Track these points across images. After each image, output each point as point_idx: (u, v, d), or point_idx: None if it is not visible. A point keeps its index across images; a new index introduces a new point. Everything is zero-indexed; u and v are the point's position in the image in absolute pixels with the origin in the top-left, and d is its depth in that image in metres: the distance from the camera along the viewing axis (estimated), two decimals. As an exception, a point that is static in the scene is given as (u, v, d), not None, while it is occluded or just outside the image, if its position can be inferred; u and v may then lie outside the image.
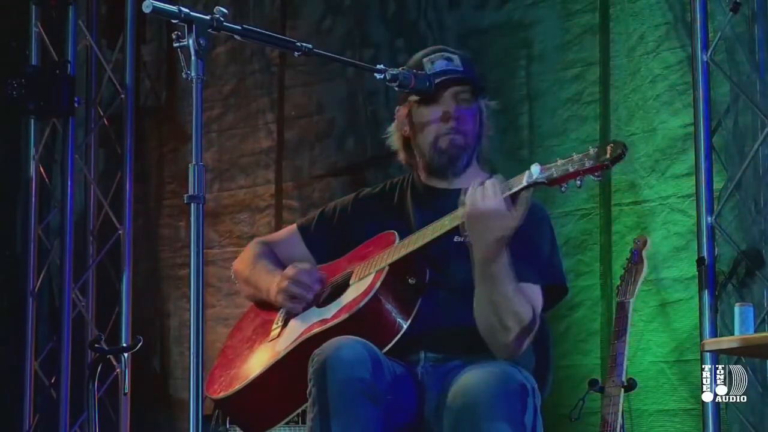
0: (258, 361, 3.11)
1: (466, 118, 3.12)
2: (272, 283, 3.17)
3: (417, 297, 2.97)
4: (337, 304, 3.02)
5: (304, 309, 3.11)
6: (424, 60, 3.14)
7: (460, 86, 3.11)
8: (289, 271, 3.14)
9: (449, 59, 3.11)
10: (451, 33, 5.14)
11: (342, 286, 3.09)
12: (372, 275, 2.99)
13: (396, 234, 3.07)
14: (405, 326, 2.93)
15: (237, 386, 3.08)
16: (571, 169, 2.72)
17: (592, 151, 2.70)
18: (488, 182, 2.82)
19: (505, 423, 2.73)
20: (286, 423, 3.10)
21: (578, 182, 2.73)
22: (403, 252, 2.98)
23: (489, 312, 2.89)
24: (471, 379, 2.81)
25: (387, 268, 2.96)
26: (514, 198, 2.81)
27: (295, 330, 3.06)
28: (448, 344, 3.00)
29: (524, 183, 2.78)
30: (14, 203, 6.20)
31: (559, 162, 2.75)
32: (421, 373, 2.99)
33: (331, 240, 3.27)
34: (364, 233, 3.18)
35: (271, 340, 3.13)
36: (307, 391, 2.80)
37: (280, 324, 3.16)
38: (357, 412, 2.75)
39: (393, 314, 2.94)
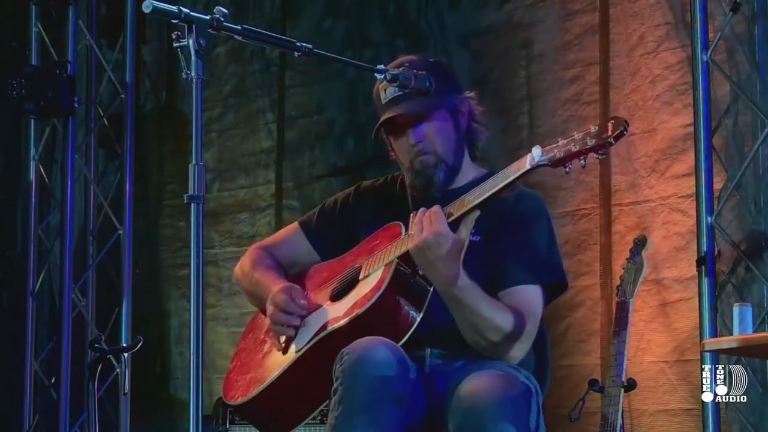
0: (274, 362, 3.07)
1: (430, 134, 3.08)
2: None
3: (427, 288, 2.93)
4: (348, 301, 3.00)
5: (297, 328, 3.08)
6: (380, 87, 3.10)
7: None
8: (272, 308, 3.10)
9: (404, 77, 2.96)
10: (452, 33, 5.14)
11: (352, 282, 3.06)
12: (381, 269, 2.96)
13: (402, 225, 3.03)
14: (418, 318, 2.89)
15: (256, 390, 3.04)
16: (574, 149, 2.68)
17: (593, 128, 2.66)
18: (431, 210, 2.81)
19: (510, 425, 2.71)
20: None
21: (582, 162, 2.69)
22: (411, 244, 2.92)
23: (471, 332, 2.90)
24: (475, 383, 2.79)
25: (396, 261, 2.93)
26: (460, 219, 2.79)
27: (310, 329, 3.04)
28: (454, 341, 2.97)
29: (527, 167, 2.75)
30: (14, 203, 6.20)
31: (561, 142, 2.72)
32: (428, 371, 2.98)
33: (335, 233, 3.25)
34: (367, 226, 3.16)
35: (285, 341, 3.10)
36: (332, 389, 2.78)
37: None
38: (382, 413, 2.74)
39: (405, 307, 2.91)
